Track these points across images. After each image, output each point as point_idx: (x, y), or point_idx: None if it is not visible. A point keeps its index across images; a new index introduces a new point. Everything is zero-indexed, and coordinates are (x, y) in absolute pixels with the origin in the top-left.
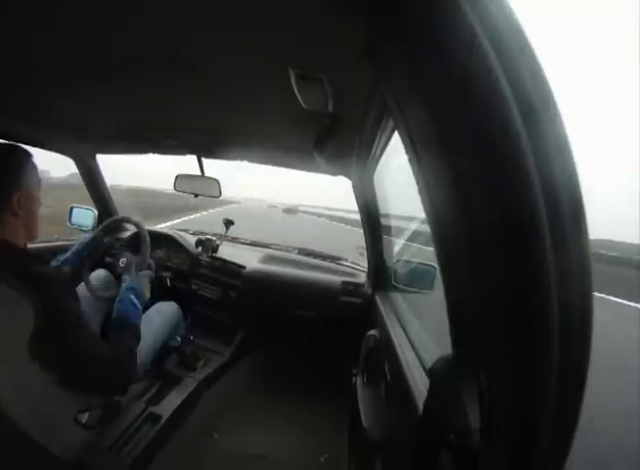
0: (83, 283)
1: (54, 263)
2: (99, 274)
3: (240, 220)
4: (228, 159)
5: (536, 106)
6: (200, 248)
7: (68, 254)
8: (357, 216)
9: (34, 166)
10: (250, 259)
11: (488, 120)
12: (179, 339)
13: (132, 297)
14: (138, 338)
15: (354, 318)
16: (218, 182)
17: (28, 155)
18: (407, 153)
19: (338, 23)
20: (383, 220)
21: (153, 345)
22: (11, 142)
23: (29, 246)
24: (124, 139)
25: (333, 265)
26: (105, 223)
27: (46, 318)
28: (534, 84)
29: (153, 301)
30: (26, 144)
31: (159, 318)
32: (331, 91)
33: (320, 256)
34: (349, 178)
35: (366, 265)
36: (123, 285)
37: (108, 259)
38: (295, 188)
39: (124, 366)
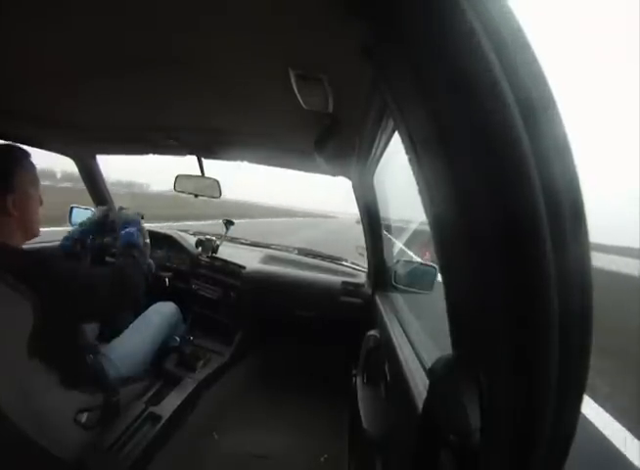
0: None
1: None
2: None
3: None
4: (228, 159)
5: (536, 105)
6: (200, 248)
7: (62, 238)
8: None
9: (31, 166)
10: (250, 260)
11: (488, 120)
12: (178, 339)
13: (132, 230)
14: (143, 253)
15: (354, 318)
16: (218, 183)
17: (24, 154)
18: (407, 153)
19: (337, 22)
20: (383, 221)
21: (152, 345)
22: (7, 142)
23: (27, 245)
24: (124, 139)
25: (333, 265)
26: (103, 210)
27: (45, 319)
28: (534, 84)
29: (151, 301)
30: (27, 144)
31: (157, 318)
32: (331, 91)
33: (320, 256)
34: (349, 178)
35: (366, 265)
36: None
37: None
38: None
39: (135, 277)
